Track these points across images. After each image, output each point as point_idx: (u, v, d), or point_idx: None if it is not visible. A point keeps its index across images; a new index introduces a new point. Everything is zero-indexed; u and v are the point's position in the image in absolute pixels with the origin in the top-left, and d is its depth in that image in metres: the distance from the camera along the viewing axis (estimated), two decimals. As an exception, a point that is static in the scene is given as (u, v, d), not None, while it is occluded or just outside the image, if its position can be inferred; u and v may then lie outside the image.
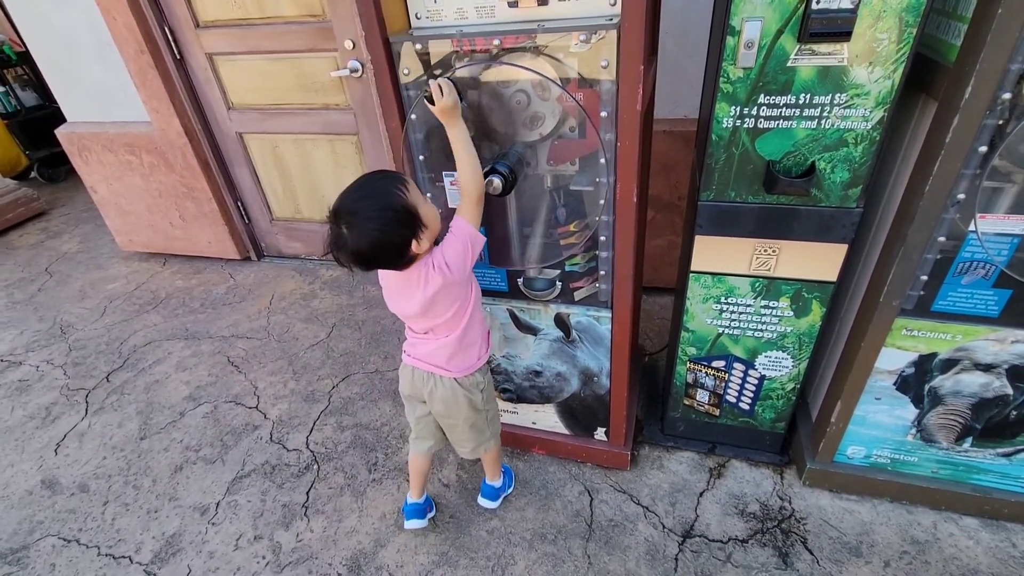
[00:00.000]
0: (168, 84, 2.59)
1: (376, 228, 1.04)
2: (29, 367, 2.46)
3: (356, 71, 2.35)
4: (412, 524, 1.55)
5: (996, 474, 1.45)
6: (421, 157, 1.32)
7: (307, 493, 1.75)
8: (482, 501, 1.63)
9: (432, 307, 1.18)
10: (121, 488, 1.84)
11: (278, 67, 2.49)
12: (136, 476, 1.88)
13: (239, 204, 3.00)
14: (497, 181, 1.15)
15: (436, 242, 1.18)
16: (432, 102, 1.10)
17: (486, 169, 1.17)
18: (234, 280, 3.02)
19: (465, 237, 1.17)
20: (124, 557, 1.63)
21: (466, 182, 1.15)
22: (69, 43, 2.66)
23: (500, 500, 1.64)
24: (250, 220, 3.08)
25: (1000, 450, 1.41)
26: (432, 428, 1.44)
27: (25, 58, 4.27)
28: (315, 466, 1.85)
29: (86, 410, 2.18)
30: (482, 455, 1.50)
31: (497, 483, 1.61)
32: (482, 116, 1.22)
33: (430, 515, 1.62)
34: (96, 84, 2.77)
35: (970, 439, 1.41)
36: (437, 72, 1.18)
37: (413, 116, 1.26)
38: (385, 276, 1.21)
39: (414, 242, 1.08)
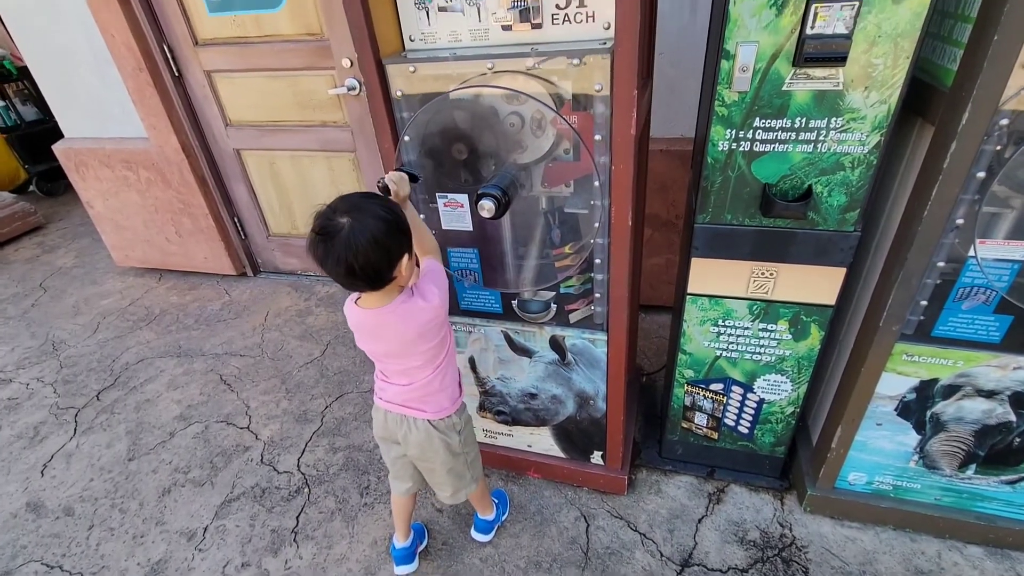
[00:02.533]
0: (166, 101, 2.59)
1: (381, 225, 0.97)
2: (19, 385, 2.43)
3: (354, 89, 2.35)
4: (401, 570, 1.50)
5: (1000, 502, 1.42)
6: (414, 178, 1.31)
7: (297, 518, 1.72)
8: (475, 535, 1.59)
9: (411, 345, 1.13)
10: (107, 512, 1.80)
11: (276, 85, 2.50)
12: (123, 499, 1.84)
13: (235, 220, 2.99)
14: (489, 204, 1.13)
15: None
16: (387, 192, 1.12)
17: (479, 191, 1.15)
18: (229, 296, 3.00)
19: (441, 274, 1.16)
20: (108, 584, 1.59)
21: (431, 248, 1.21)
22: (67, 59, 2.67)
23: (494, 532, 1.60)
24: (246, 236, 3.07)
25: (1004, 477, 1.38)
26: (410, 470, 1.39)
27: (26, 73, 4.29)
28: (306, 489, 1.81)
29: (75, 430, 2.15)
30: (463, 499, 1.43)
31: (489, 516, 1.57)
32: (475, 138, 1.21)
33: (421, 547, 1.57)
34: (94, 100, 2.78)
35: (973, 466, 1.38)
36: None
37: (407, 138, 1.25)
38: (354, 315, 1.12)
39: (405, 257, 1.03)
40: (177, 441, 2.05)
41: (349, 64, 2.30)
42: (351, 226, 0.96)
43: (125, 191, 2.95)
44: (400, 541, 1.50)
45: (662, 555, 1.52)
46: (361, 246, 0.96)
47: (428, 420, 1.25)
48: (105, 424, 2.16)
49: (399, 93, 1.22)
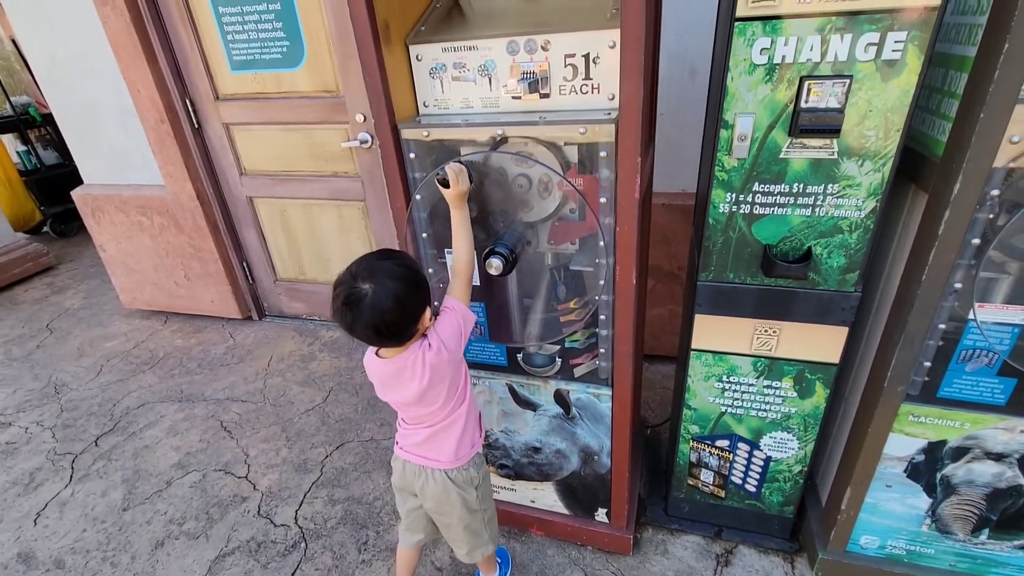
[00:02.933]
0: (184, 150, 2.69)
1: (400, 286, 1.01)
2: (18, 429, 2.41)
3: (366, 143, 2.44)
4: None
5: (1015, 567, 1.37)
6: (424, 235, 1.35)
7: (292, 575, 1.67)
8: None
9: (429, 390, 1.14)
10: (98, 565, 1.75)
11: (291, 137, 2.59)
12: (115, 552, 1.79)
13: (244, 264, 3.04)
14: (497, 262, 1.17)
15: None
16: (446, 185, 1.13)
17: (486, 249, 1.19)
18: (233, 340, 3.01)
19: (459, 315, 1.16)
20: (93, 644, 1.53)
21: (461, 263, 1.18)
22: (92, 110, 2.79)
23: None
24: (254, 280, 3.11)
25: (1018, 543, 1.34)
26: (423, 522, 1.37)
27: (48, 119, 4.47)
28: (303, 544, 1.77)
29: (71, 477, 2.12)
30: (479, 559, 1.41)
31: (493, 575, 1.53)
32: (484, 197, 1.25)
33: None
34: (115, 149, 2.88)
35: (987, 531, 1.35)
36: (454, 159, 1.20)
37: (418, 196, 1.30)
38: (374, 367, 1.15)
39: (427, 311, 1.07)
40: (174, 490, 2.02)
41: (362, 119, 2.40)
42: (374, 291, 1.00)
43: (138, 235, 3.02)
44: None
45: (670, 622, 1.46)
46: (387, 309, 1.01)
47: (445, 472, 1.25)
48: (102, 471, 2.13)
49: (412, 155, 1.27)
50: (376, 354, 1.15)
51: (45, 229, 4.82)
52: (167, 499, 1.98)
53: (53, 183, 4.58)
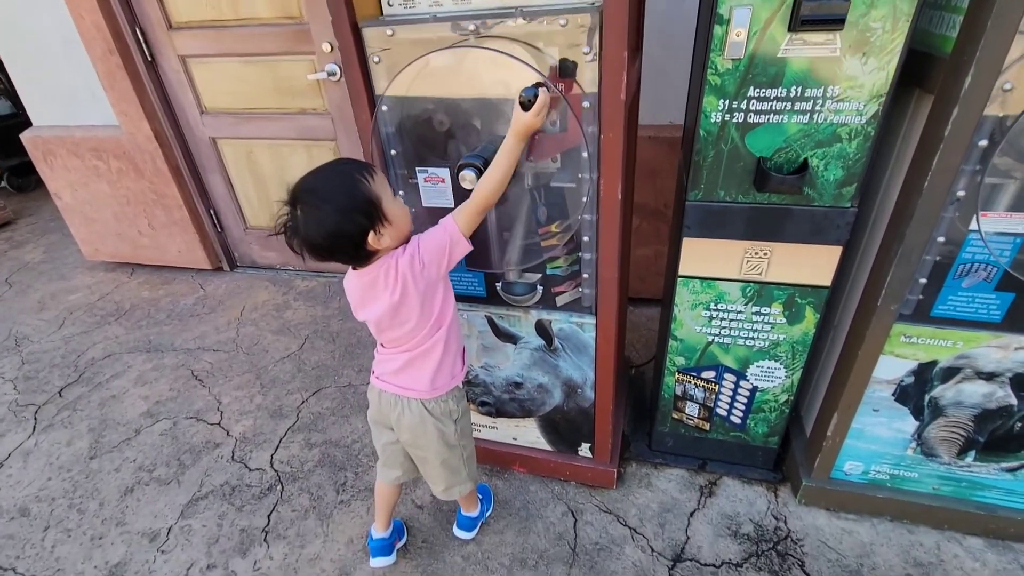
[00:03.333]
0: (138, 86, 2.49)
1: (332, 212, 0.96)
2: (-24, 382, 2.30)
3: (334, 75, 2.27)
4: (378, 563, 1.42)
5: (1001, 491, 1.38)
6: (393, 152, 1.24)
7: (268, 516, 1.62)
8: (458, 532, 1.51)
9: (401, 304, 1.07)
10: (64, 512, 1.69)
11: (253, 70, 2.41)
12: (82, 499, 1.73)
13: (211, 212, 2.88)
14: (471, 174, 1.07)
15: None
16: (526, 107, 0.98)
17: (460, 162, 1.09)
18: (204, 291, 2.89)
19: (448, 234, 1.08)
20: (62, 590, 1.48)
21: (484, 190, 1.06)
22: (36, 43, 2.56)
23: (477, 529, 1.52)
24: (223, 228, 2.96)
25: (1004, 465, 1.34)
26: (400, 457, 1.31)
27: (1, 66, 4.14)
28: (279, 487, 1.72)
29: (34, 427, 2.03)
30: (456, 497, 1.36)
31: (473, 513, 1.49)
32: (456, 107, 1.14)
33: (399, 544, 1.49)
34: (63, 86, 2.66)
35: (973, 453, 1.34)
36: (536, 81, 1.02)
37: (384, 108, 1.19)
38: (349, 281, 1.11)
39: (371, 234, 0.99)
40: (143, 438, 1.94)
41: (329, 48, 2.23)
42: (305, 220, 0.97)
43: (95, 181, 2.83)
44: (379, 531, 1.42)
45: (653, 550, 1.45)
46: (319, 237, 0.98)
47: (422, 402, 1.18)
48: (66, 421, 2.05)
49: (377, 60, 1.15)
50: (352, 268, 1.09)
51: (2, 184, 4.55)
52: (136, 447, 1.91)
53: (7, 134, 4.28)
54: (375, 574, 1.44)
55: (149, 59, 2.46)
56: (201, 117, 2.60)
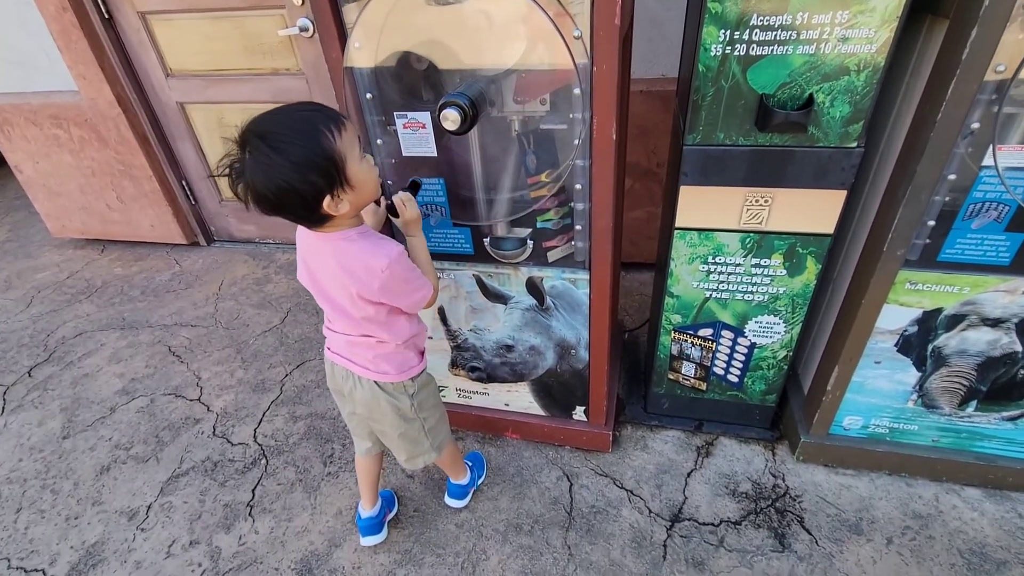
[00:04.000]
0: (96, 47, 2.33)
1: (285, 165, 0.81)
2: (-62, 364, 2.19)
3: (307, 30, 2.14)
4: (368, 541, 1.37)
5: (1001, 440, 1.36)
6: (369, 95, 1.15)
7: (253, 491, 1.56)
8: (449, 501, 1.46)
9: (342, 287, 0.98)
10: (37, 493, 1.61)
11: (220, 28, 2.26)
12: (55, 479, 1.65)
13: (183, 183, 2.75)
14: (454, 113, 0.98)
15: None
16: (395, 214, 1.07)
17: (442, 101, 1.00)
18: (180, 266, 2.77)
19: (415, 288, 1.04)
20: (37, 570, 1.41)
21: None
22: (-18, 2, 2.38)
23: (469, 497, 1.47)
24: (197, 201, 2.83)
25: (1006, 414, 1.31)
26: (366, 427, 1.24)
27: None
28: (263, 461, 1.65)
29: (2, 409, 1.93)
30: (422, 466, 1.28)
31: (463, 480, 1.43)
32: (435, 45, 1.05)
33: (390, 516, 1.44)
34: (15, 49, 2.48)
35: (974, 403, 1.31)
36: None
37: (357, 45, 1.09)
38: (301, 234, 0.99)
39: (328, 199, 0.86)
40: (119, 416, 1.86)
41: (300, 2, 2.09)
42: (252, 167, 0.83)
43: (57, 152, 2.68)
44: (366, 509, 1.36)
45: (650, 511, 1.42)
46: (263, 188, 0.83)
47: (374, 381, 1.11)
48: (37, 401, 1.95)
49: (347, -9, 1.05)
50: None
51: (-40, 161, 4.33)
52: (111, 425, 1.82)
53: (-40, 107, 4.06)
54: (358, 550, 1.39)
55: (106, 16, 2.30)
56: (167, 80, 2.45)
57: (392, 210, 1.07)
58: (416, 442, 1.22)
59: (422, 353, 1.19)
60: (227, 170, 0.85)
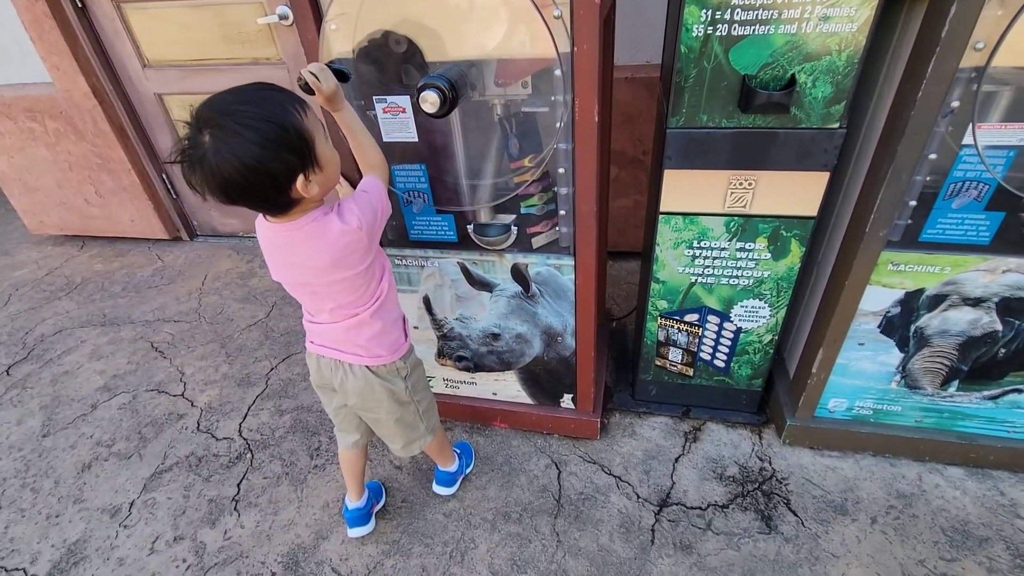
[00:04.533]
0: (70, 37, 2.27)
1: (254, 142, 0.76)
2: (-88, 363, 2.13)
3: (286, 18, 2.10)
4: (356, 532, 1.36)
5: (982, 419, 1.37)
6: (347, 79, 1.12)
7: (238, 485, 1.54)
8: (437, 489, 1.45)
9: (328, 272, 0.94)
10: (17, 492, 1.58)
11: (198, 16, 2.21)
12: (35, 478, 1.62)
13: (163, 176, 2.70)
14: (433, 95, 0.96)
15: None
16: (310, 91, 0.93)
17: (420, 83, 0.98)
18: (162, 262, 2.73)
19: (378, 196, 0.98)
20: (18, 570, 1.39)
21: (374, 163, 1.03)
22: (-51, -9, 2.31)
23: (458, 484, 1.47)
24: (178, 195, 2.78)
25: (987, 393, 1.33)
26: (355, 420, 1.22)
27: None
28: (248, 455, 1.63)
29: (-21, 408, 1.89)
30: (418, 451, 1.27)
31: (451, 467, 1.43)
32: (414, 26, 1.03)
33: (378, 507, 1.43)
34: (-15, 40, 2.42)
35: (956, 383, 1.33)
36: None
37: (333, 26, 1.06)
38: (264, 230, 0.93)
39: (301, 178, 0.82)
40: (100, 413, 1.83)
41: (280, -11, 2.05)
42: (215, 148, 0.76)
43: (32, 146, 2.61)
44: (353, 501, 1.35)
45: (639, 497, 1.42)
46: (231, 172, 0.77)
47: (366, 366, 1.09)
48: (15, 400, 1.91)
49: (322, -29, 1.02)
50: (264, 216, 0.92)
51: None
52: (93, 422, 1.79)
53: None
54: (345, 541, 1.38)
55: (79, 5, 2.24)
56: (143, 71, 2.39)
57: (307, 88, 0.93)
58: (412, 427, 1.21)
59: (406, 332, 1.17)
60: (181, 156, 0.79)
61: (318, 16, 1.06)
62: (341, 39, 1.08)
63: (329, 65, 0.96)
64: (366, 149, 1.03)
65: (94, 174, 2.65)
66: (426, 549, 1.34)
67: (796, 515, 1.35)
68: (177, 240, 2.89)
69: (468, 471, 1.51)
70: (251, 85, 0.82)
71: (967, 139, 1.01)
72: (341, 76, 0.99)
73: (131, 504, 1.52)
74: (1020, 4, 0.88)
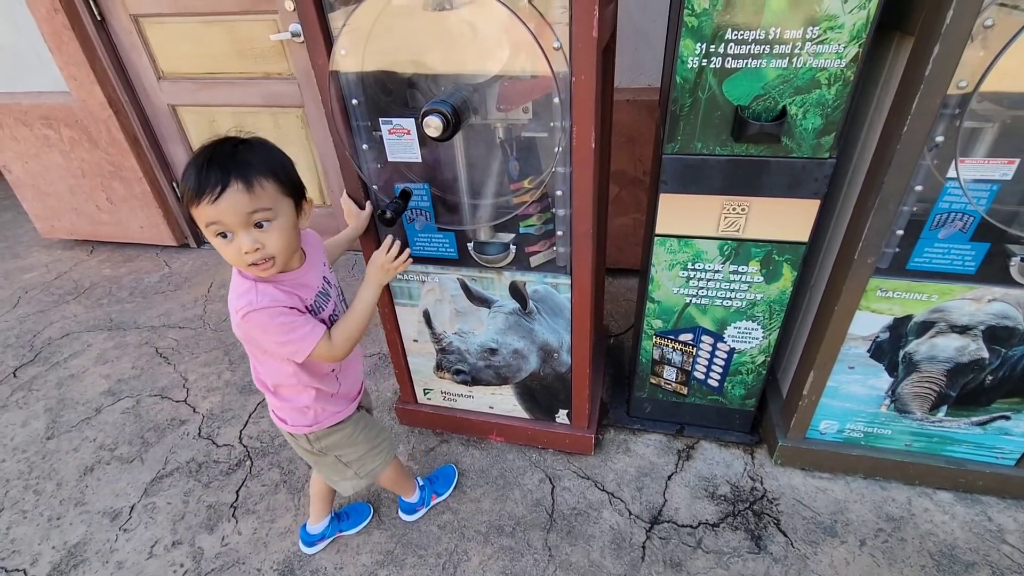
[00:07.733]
0: (88, 49, 2.34)
1: (280, 156, 0.91)
2: (-78, 363, 2.18)
3: (298, 36, 2.16)
4: (306, 550, 1.39)
5: (970, 444, 1.39)
6: (355, 101, 1.17)
7: (237, 492, 1.57)
8: (400, 514, 1.46)
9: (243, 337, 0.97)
10: (19, 494, 1.61)
11: (212, 31, 2.28)
12: (38, 480, 1.65)
13: (174, 185, 2.75)
14: (436, 120, 1.00)
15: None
16: (389, 224, 1.13)
17: (424, 107, 1.02)
18: (169, 268, 2.77)
19: (298, 342, 0.93)
20: (18, 570, 1.41)
21: (344, 335, 1.00)
22: (-27, 2, 2.38)
23: (419, 513, 1.45)
24: (187, 203, 2.83)
25: (975, 418, 1.35)
26: None
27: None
28: (248, 462, 1.66)
29: (-14, 409, 1.93)
30: (351, 492, 1.24)
31: (412, 499, 1.42)
32: (420, 53, 1.08)
33: (346, 534, 1.42)
34: (6, 49, 2.49)
35: (944, 408, 1.35)
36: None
37: (343, 51, 1.11)
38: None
39: (304, 203, 0.95)
40: (104, 417, 1.86)
41: (292, 7, 2.11)
42: (248, 152, 0.87)
43: (47, 152, 2.68)
44: (311, 523, 1.37)
45: (631, 513, 1.44)
46: (279, 155, 0.91)
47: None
48: (21, 402, 1.95)
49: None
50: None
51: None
52: (96, 426, 1.82)
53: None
54: (340, 550, 1.40)
55: (98, 18, 2.31)
56: (158, 83, 2.46)
57: (387, 220, 1.11)
58: (335, 471, 1.20)
59: (319, 423, 1.10)
60: (210, 152, 0.82)
61: (328, 40, 1.11)
62: (350, 62, 1.12)
63: (394, 200, 1.16)
64: (353, 325, 1.03)
65: (106, 181, 2.71)
66: (419, 560, 1.36)
67: (786, 536, 1.37)
68: (185, 247, 2.94)
69: (444, 497, 1.49)
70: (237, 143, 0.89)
71: (952, 172, 1.04)
72: (405, 196, 1.18)
73: (131, 508, 1.54)
74: (1001, 45, 0.92)
